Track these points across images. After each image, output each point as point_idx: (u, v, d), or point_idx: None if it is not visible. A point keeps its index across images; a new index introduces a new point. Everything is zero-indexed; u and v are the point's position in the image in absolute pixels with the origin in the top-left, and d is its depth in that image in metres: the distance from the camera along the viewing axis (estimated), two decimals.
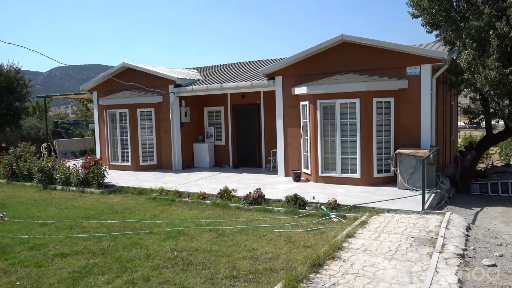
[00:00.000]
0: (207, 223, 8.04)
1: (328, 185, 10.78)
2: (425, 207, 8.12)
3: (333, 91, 10.63)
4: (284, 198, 9.07)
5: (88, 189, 11.69)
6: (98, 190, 11.50)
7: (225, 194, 9.81)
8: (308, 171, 11.50)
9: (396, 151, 9.96)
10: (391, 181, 10.54)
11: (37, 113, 26.84)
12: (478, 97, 11.45)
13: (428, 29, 11.92)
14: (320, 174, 11.09)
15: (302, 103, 11.69)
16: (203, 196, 10.05)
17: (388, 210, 8.26)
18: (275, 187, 10.81)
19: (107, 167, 12.35)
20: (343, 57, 11.20)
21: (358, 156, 10.51)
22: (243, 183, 11.64)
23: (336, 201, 8.56)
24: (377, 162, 10.55)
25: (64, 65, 11.85)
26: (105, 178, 12.09)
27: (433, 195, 9.16)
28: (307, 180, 11.59)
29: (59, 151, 19.47)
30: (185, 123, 14.84)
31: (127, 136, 14.75)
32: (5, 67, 22.20)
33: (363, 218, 7.77)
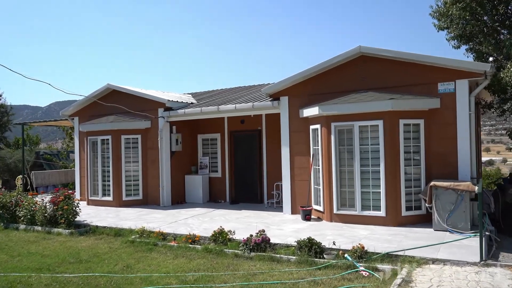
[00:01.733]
0: (195, 278, 6.06)
1: (346, 225, 8.83)
2: (483, 256, 6.17)
3: (351, 112, 8.89)
4: (295, 243, 7.11)
5: (56, 230, 9.68)
6: (67, 231, 9.50)
7: (220, 237, 7.84)
8: (321, 208, 9.58)
9: (431, 184, 8.10)
10: (423, 221, 8.63)
11: (28, 145, 25.08)
12: None
13: (455, 43, 10.37)
14: (335, 211, 9.16)
15: (312, 127, 9.92)
16: (193, 239, 8.08)
17: (433, 260, 6.30)
18: (282, 228, 8.85)
19: (79, 202, 10.39)
20: (361, 73, 9.54)
21: (382, 189, 8.63)
22: (242, 222, 9.68)
23: (363, 247, 6.61)
24: (405, 197, 8.67)
25: (70, 93, 10.30)
26: (77, 216, 10.11)
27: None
28: (319, 219, 9.65)
29: (36, 184, 17.48)
30: (176, 152, 13.00)
31: (109, 166, 12.87)
32: None
33: (404, 272, 5.81)
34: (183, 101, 12.92)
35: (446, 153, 8.65)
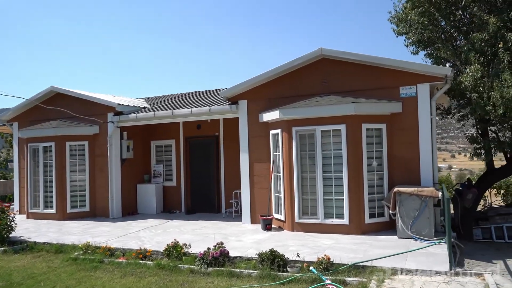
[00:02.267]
0: None
1: (309, 234, 8.41)
2: (452, 265, 5.92)
3: (313, 116, 8.53)
4: (257, 256, 6.58)
5: None
6: (0, 249, 8.43)
7: (174, 251, 7.16)
8: (282, 217, 9.12)
9: (395, 190, 7.87)
10: (387, 228, 8.38)
11: None
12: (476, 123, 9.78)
13: (413, 49, 10.35)
14: (297, 220, 8.73)
15: (272, 132, 9.48)
16: (144, 254, 7.34)
17: (402, 270, 5.97)
18: (241, 239, 8.29)
19: (15, 216, 9.30)
20: (322, 76, 9.23)
21: (345, 196, 8.30)
22: (198, 234, 9.02)
23: (329, 259, 6.19)
24: (368, 204, 8.39)
25: (7, 95, 9.32)
26: (12, 231, 9.05)
27: (445, 244, 7.06)
28: (281, 229, 9.18)
29: None
30: (127, 160, 12.13)
31: (51, 176, 11.77)
32: None
33: (373, 285, 5.42)
34: (135, 105, 12.11)
35: (408, 159, 8.48)
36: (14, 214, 9.30)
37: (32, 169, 12.20)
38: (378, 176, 8.53)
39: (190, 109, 10.55)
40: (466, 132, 9.67)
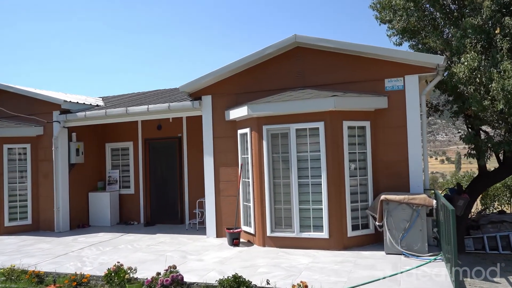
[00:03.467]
0: None
1: (282, 250, 7.19)
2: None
3: (286, 112, 7.34)
4: (217, 283, 5.29)
5: None
6: None
7: (116, 277, 5.79)
8: (251, 230, 7.87)
9: (381, 197, 6.74)
10: (372, 241, 7.27)
11: None
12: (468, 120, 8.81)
13: (396, 40, 9.34)
14: (269, 234, 7.50)
15: (240, 131, 8.25)
16: (79, 281, 5.93)
17: None
18: (203, 258, 6.98)
19: None
20: (297, 67, 8.07)
21: (324, 206, 7.13)
22: (153, 251, 7.66)
23: (306, 286, 4.96)
24: (351, 214, 7.24)
25: None
26: None
27: (443, 262, 5.99)
28: (250, 243, 7.92)
29: None
30: (77, 165, 10.62)
31: None
32: None
33: None
34: (86, 103, 10.63)
35: (395, 161, 7.39)
36: None
37: None
38: (361, 181, 7.40)
39: (146, 106, 9.19)
40: (460, 131, 8.68)
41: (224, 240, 8.15)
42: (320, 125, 7.18)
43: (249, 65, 8.34)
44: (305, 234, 7.24)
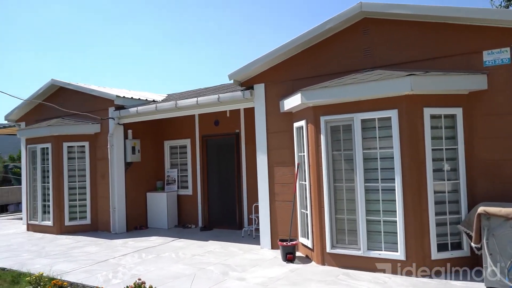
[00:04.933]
0: None
1: (344, 272, 5.74)
2: None
3: (349, 99, 5.86)
4: None
5: None
6: None
7: None
8: (309, 243, 6.52)
9: (479, 210, 4.96)
10: (465, 264, 5.48)
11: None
12: None
13: (502, 2, 7.22)
14: (328, 250, 6.08)
15: (296, 124, 6.93)
16: None
17: None
18: (245, 277, 5.81)
19: None
20: (364, 43, 6.52)
21: (399, 217, 5.53)
22: (195, 263, 6.69)
23: None
24: (436, 229, 5.52)
25: (24, 100, 8.33)
26: None
27: None
28: (308, 259, 6.58)
29: None
30: (134, 164, 10.15)
31: (49, 182, 10.12)
32: None
33: None
34: (141, 98, 10.11)
35: (500, 160, 5.50)
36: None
37: (31, 174, 10.69)
38: (451, 187, 5.64)
39: (195, 98, 8.29)
40: None
41: (279, 253, 6.90)
42: (393, 114, 5.58)
43: (306, 45, 6.98)
44: (374, 253, 5.70)
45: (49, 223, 10.07)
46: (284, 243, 6.60)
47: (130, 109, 9.39)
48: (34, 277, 5.92)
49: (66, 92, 10.77)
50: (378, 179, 5.74)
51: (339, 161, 6.09)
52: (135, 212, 10.20)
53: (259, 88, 7.55)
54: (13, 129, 13.26)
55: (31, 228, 10.61)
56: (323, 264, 6.15)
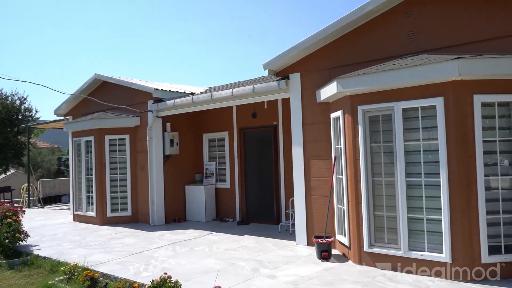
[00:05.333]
0: None
1: (383, 273, 5.33)
2: None
3: (388, 86, 5.40)
4: None
5: None
6: None
7: None
8: (346, 241, 6.14)
9: None
10: None
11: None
12: None
13: None
14: (366, 249, 5.68)
15: (333, 115, 6.55)
16: (129, 287, 5.10)
17: None
18: (276, 274, 5.55)
19: (22, 223, 7.90)
20: (408, 26, 6.00)
21: (444, 216, 5.03)
22: (227, 258, 6.52)
23: None
24: (487, 230, 4.97)
25: (65, 93, 8.86)
26: (19, 241, 7.63)
27: None
28: (344, 258, 6.21)
29: (43, 194, 15.70)
30: (172, 156, 10.18)
31: (92, 174, 10.40)
32: (8, 95, 19.55)
33: None
34: (179, 91, 10.08)
35: None
36: (19, 220, 7.85)
37: (76, 166, 11.04)
38: (507, 182, 5.05)
39: (230, 90, 8.11)
40: None
41: (315, 250, 6.58)
42: (438, 102, 5.07)
43: (345, 30, 6.55)
44: (416, 254, 5.24)
45: (93, 214, 10.35)
46: (319, 240, 6.26)
47: (167, 101, 9.39)
48: (68, 267, 6.03)
49: (108, 86, 11.00)
50: (421, 174, 5.25)
51: (378, 154, 5.66)
52: (174, 205, 10.24)
53: (295, 78, 7.22)
54: (62, 122, 13.80)
55: (76, 218, 10.98)
56: (360, 263, 5.76)
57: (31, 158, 32.04)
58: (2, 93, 19.54)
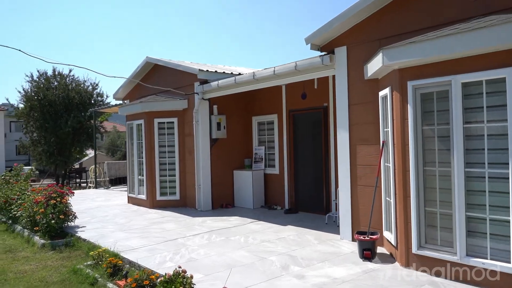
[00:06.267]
0: None
1: (433, 280, 4.46)
2: None
3: (446, 56, 4.42)
4: None
5: (36, 238, 7.51)
6: (42, 241, 7.20)
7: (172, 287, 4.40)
8: (392, 239, 5.30)
9: None
10: None
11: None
12: None
13: None
14: (415, 250, 4.81)
15: (381, 93, 5.66)
16: (140, 282, 4.81)
17: None
18: (306, 274, 4.91)
19: (69, 203, 8.05)
20: None
21: None
22: (260, 250, 6.00)
23: None
24: None
25: (111, 77, 9.14)
26: (65, 222, 7.79)
27: None
28: (391, 258, 5.38)
29: (109, 175, 16.38)
30: (219, 140, 9.83)
31: (142, 157, 10.43)
32: (80, 81, 20.65)
33: None
34: (226, 72, 9.63)
35: None
36: (64, 201, 7.98)
37: (130, 149, 11.17)
38: None
39: (272, 68, 7.46)
40: None
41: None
42: (509, 73, 4.01)
43: None
44: (476, 261, 4.29)
45: (143, 197, 10.42)
46: (362, 237, 5.48)
47: (211, 83, 9.00)
48: (97, 252, 5.92)
49: (159, 70, 10.91)
50: (484, 164, 4.25)
51: (431, 138, 4.71)
52: (221, 190, 9.93)
53: (341, 52, 6.37)
54: None
55: (130, 200, 11.16)
56: (407, 266, 4.92)
57: (112, 141, 33.99)
58: (75, 79, 20.72)
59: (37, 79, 20.28)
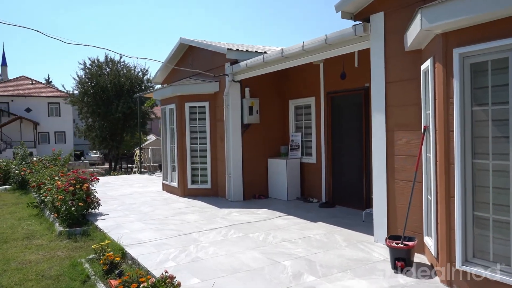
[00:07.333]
0: None
1: None
2: None
3: (502, 12, 3.29)
4: None
5: (57, 224, 7.31)
6: (60, 229, 6.97)
7: None
8: (432, 247, 4.27)
9: None
10: None
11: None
12: None
13: None
14: (459, 265, 3.77)
15: (423, 67, 4.57)
16: (128, 285, 4.25)
17: None
18: (318, 287, 4.07)
19: (93, 190, 7.76)
20: None
21: None
22: (277, 252, 5.23)
23: None
24: None
25: (139, 58, 8.97)
26: (89, 209, 7.55)
27: None
28: (431, 271, 4.35)
29: (154, 161, 16.32)
30: (252, 126, 9.09)
31: (174, 144, 10.00)
32: (131, 67, 20.85)
33: None
34: (258, 51, 8.81)
35: None
36: (86, 188, 7.69)
37: (164, 135, 10.80)
38: None
39: (301, 43, 6.53)
40: None
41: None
42: None
43: None
44: None
45: (175, 184, 10.01)
46: (394, 243, 4.50)
47: (240, 63, 8.25)
48: (99, 245, 5.49)
49: (193, 51, 10.36)
50: None
51: (484, 123, 3.62)
52: (254, 180, 9.22)
53: (377, 19, 5.32)
54: None
55: (165, 187, 10.83)
56: (450, 285, 3.89)
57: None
58: (126, 65, 20.97)
59: (90, 66, 20.79)
